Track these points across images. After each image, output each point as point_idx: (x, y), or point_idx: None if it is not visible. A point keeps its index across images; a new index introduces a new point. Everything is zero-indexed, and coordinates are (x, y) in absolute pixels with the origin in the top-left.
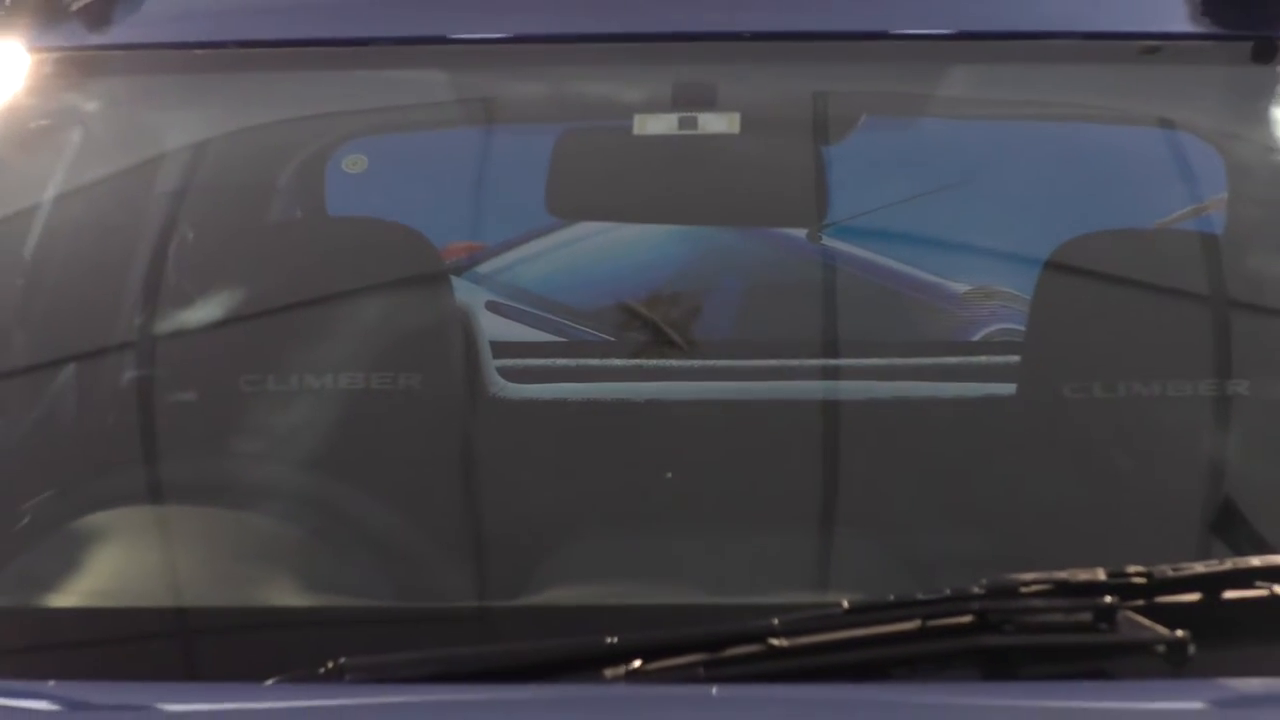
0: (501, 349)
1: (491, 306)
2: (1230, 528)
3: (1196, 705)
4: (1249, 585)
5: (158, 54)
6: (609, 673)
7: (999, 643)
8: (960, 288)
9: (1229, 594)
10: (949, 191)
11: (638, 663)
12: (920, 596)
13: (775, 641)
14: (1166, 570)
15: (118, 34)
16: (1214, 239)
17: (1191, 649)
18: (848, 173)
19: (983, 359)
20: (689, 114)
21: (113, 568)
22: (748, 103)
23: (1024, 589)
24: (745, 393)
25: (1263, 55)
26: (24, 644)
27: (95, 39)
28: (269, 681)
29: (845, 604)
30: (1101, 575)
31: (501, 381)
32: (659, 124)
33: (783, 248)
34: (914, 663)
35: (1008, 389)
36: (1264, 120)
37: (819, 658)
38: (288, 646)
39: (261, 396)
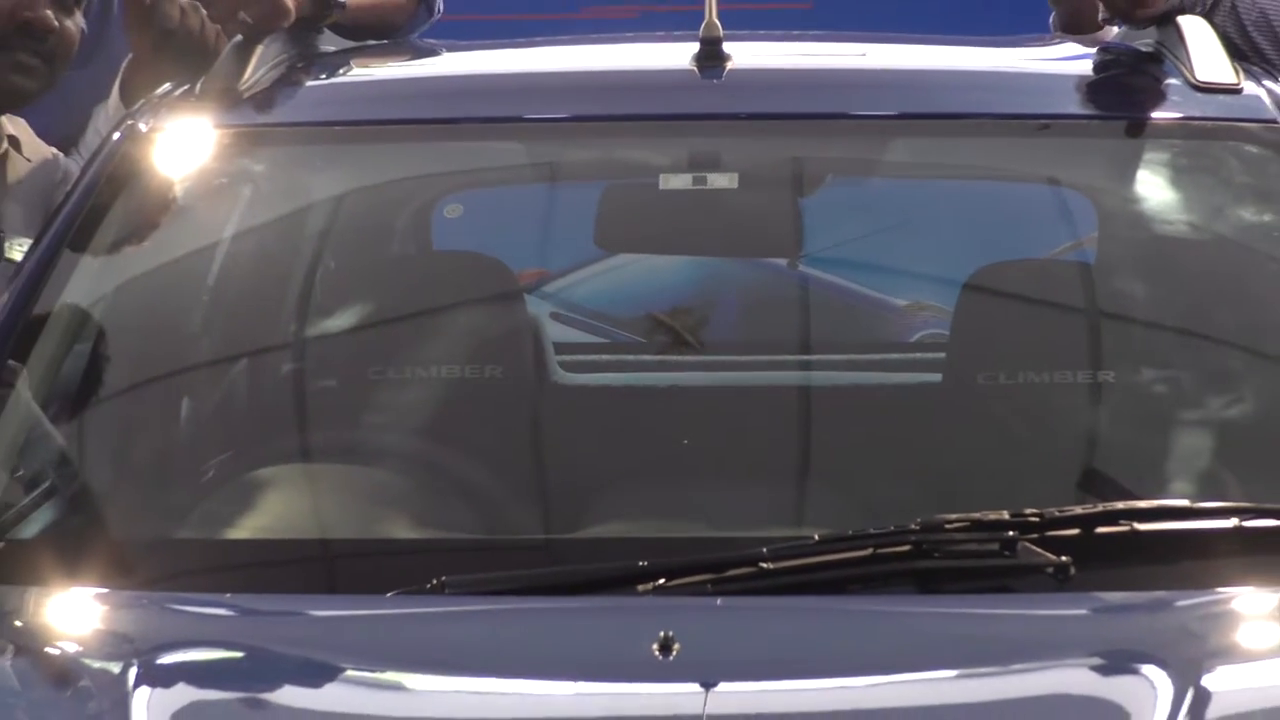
0: (561, 348)
1: (554, 316)
2: (1101, 480)
3: (1076, 612)
4: (1115, 523)
5: (307, 130)
6: (641, 588)
7: (929, 565)
8: (901, 302)
9: (1100, 529)
10: (893, 231)
11: (661, 580)
12: (871, 531)
13: (764, 565)
14: (1054, 512)
15: (278, 116)
16: (1088, 266)
17: (1072, 570)
18: (817, 217)
19: (917, 355)
20: (700, 174)
21: (273, 509)
22: (743, 166)
23: (948, 526)
24: (742, 380)
25: (1123, 132)
26: (208, 566)
27: (261, 119)
28: (390, 594)
29: (816, 536)
30: (1006, 515)
31: (561, 372)
32: (678, 181)
33: (769, 272)
34: (866, 580)
35: (936, 377)
36: (1124, 178)
37: (796, 577)
38: (403, 568)
39: (383, 383)
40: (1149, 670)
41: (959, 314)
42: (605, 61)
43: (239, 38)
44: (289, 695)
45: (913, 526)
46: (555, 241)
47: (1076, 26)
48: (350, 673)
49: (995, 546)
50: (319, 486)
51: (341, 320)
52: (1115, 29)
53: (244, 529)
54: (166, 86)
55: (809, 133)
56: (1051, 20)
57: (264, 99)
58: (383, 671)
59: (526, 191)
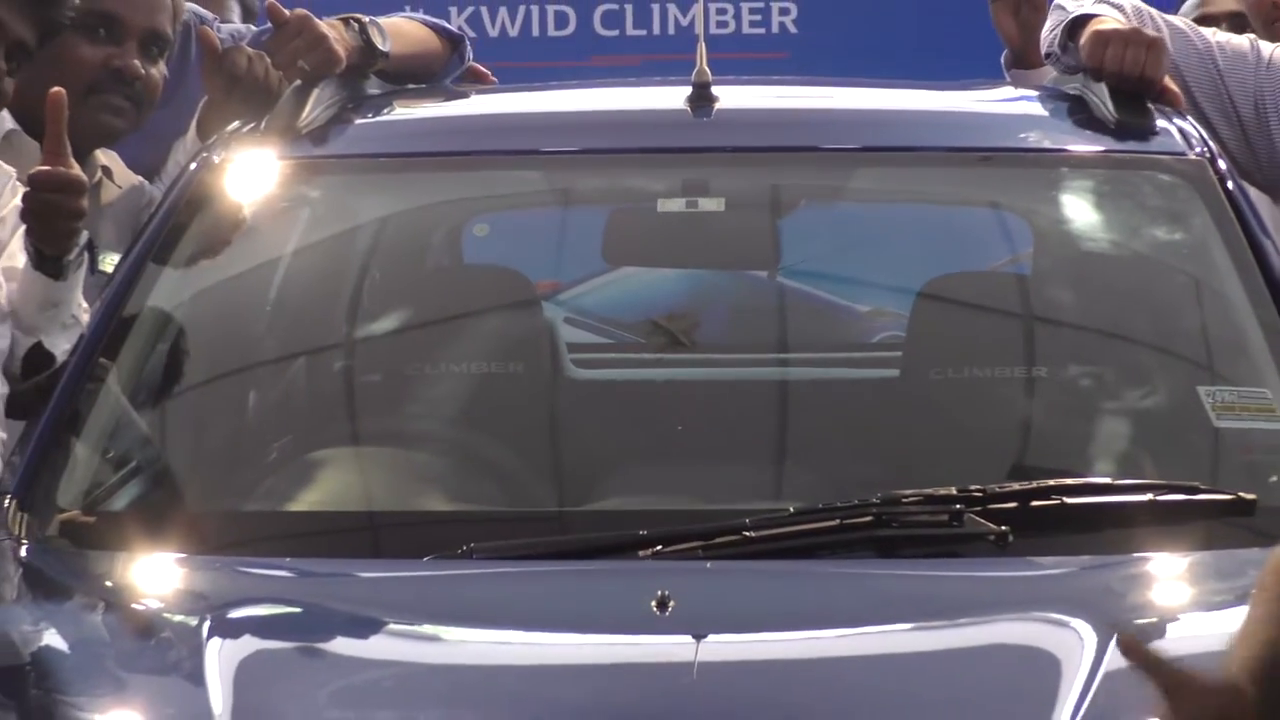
0: (573, 348)
1: (568, 320)
2: (1036, 460)
3: (1014, 574)
4: (1047, 498)
5: (356, 161)
6: (641, 554)
7: (888, 534)
8: (864, 308)
9: (1035, 503)
10: (857, 247)
11: (659, 547)
12: (838, 504)
13: (747, 533)
14: (995, 488)
15: (331, 149)
16: (1024, 277)
17: (1010, 538)
18: (792, 236)
19: (877, 354)
20: (693, 199)
21: (326, 485)
22: (729, 192)
23: (904, 500)
24: (728, 375)
25: (1054, 163)
26: (270, 534)
27: (317, 152)
28: (426, 558)
29: (791, 509)
30: (954, 491)
31: (574, 368)
32: (673, 205)
33: (751, 283)
34: (834, 546)
35: (894, 373)
36: (1055, 202)
37: (774, 544)
38: (437, 535)
39: (419, 378)
40: (1076, 623)
41: (914, 319)
42: (610, 102)
43: (298, 83)
44: (339, 644)
45: (874, 500)
46: (568, 256)
47: (1024, 63)
48: (391, 625)
49: (944, 518)
50: (365, 466)
51: (385, 324)
52: (1053, 69)
53: (301, 502)
54: (236, 124)
55: (785, 163)
56: (1004, 57)
57: (319, 135)
58: (419, 624)
59: (544, 214)
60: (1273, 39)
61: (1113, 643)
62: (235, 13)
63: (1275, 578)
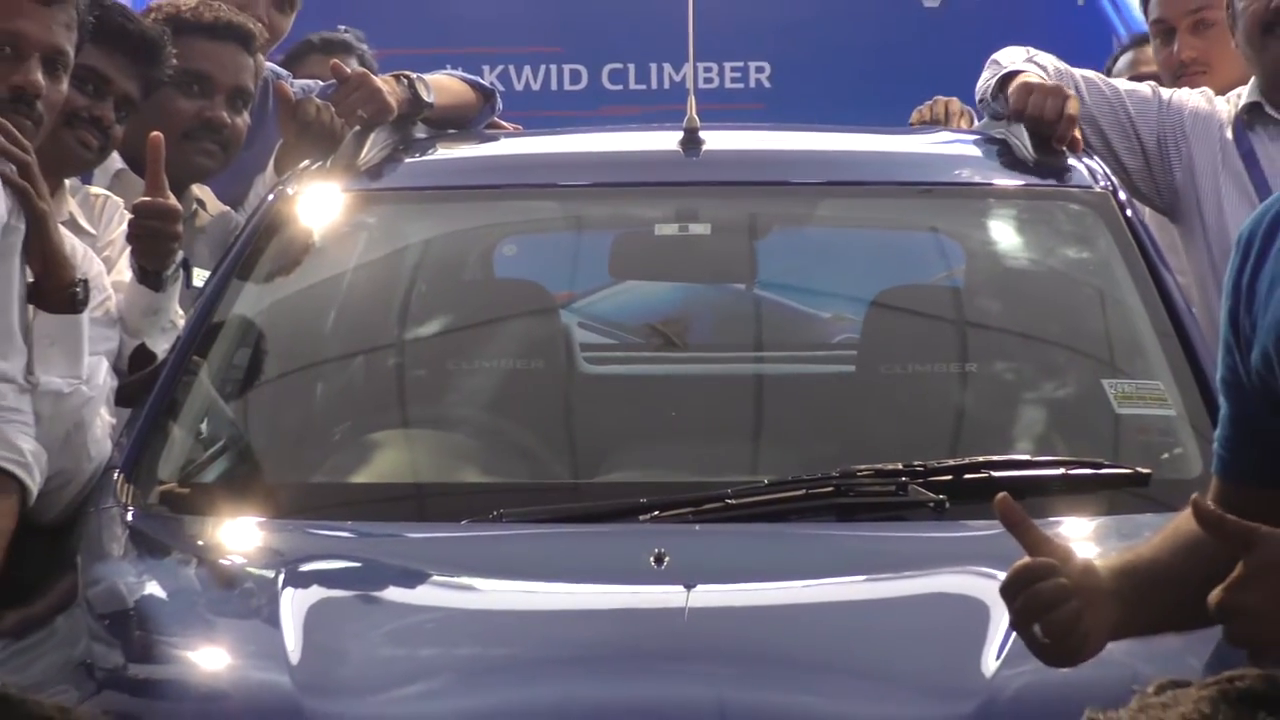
0: (585, 347)
1: (580, 325)
2: (968, 441)
3: (949, 535)
4: (978, 472)
5: (405, 193)
6: (641, 518)
7: (846, 501)
8: (826, 315)
9: (967, 476)
10: (820, 264)
11: (656, 512)
12: (804, 477)
13: (729, 501)
14: (934, 463)
15: (384, 183)
16: (959, 289)
17: (947, 505)
18: (766, 255)
19: (837, 352)
20: (684, 224)
21: (380, 461)
22: (714, 218)
23: (859, 473)
24: (713, 370)
25: (983, 194)
26: (334, 502)
27: (373, 186)
28: (462, 521)
29: (766, 480)
30: (900, 466)
31: (585, 364)
32: (668, 229)
33: (732, 293)
34: (802, 512)
35: (850, 368)
36: (984, 227)
37: (752, 510)
38: (472, 502)
39: (458, 373)
40: (1002, 575)
41: (867, 323)
42: (616, 145)
43: (357, 129)
44: (390, 592)
45: (834, 474)
46: (581, 271)
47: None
48: (434, 577)
49: (892, 488)
50: (412, 445)
51: (428, 327)
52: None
53: (359, 475)
54: (306, 162)
55: (760, 195)
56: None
57: (375, 171)
58: (457, 576)
59: (560, 236)
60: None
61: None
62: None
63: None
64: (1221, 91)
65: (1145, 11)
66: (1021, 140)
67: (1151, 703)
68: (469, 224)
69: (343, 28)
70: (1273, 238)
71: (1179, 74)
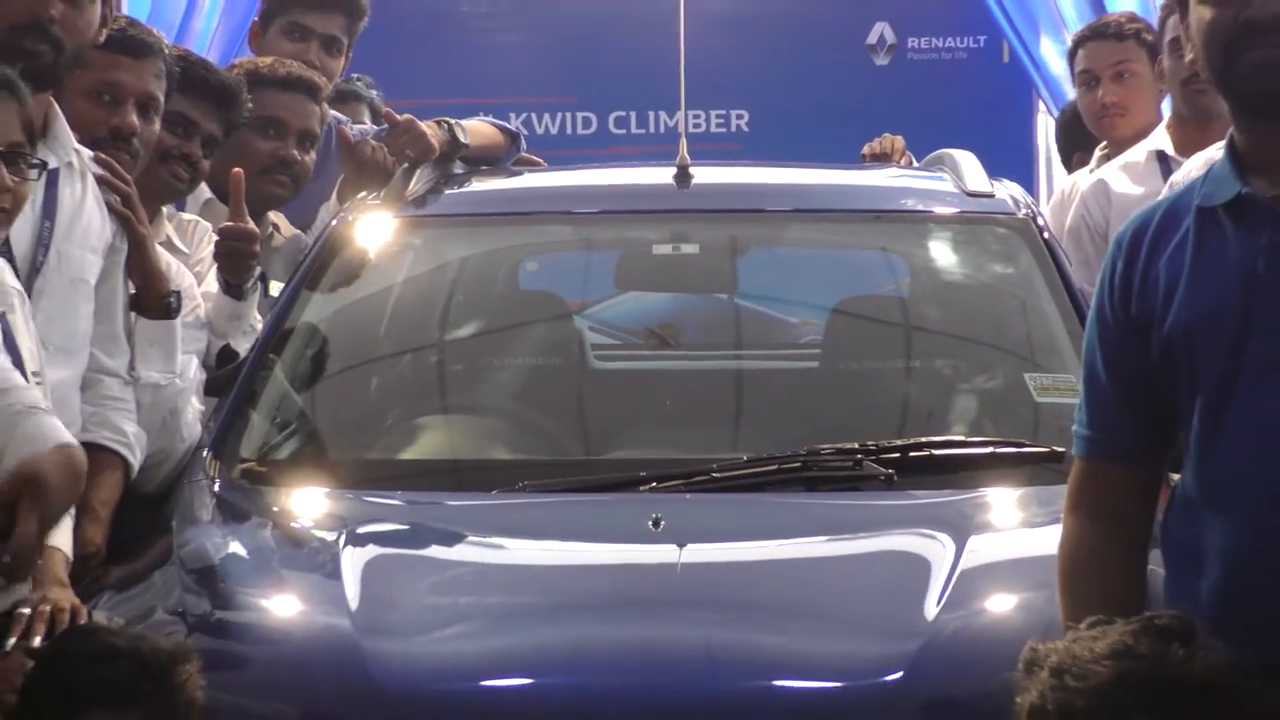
0: (595, 347)
1: (591, 328)
2: (912, 424)
3: (898, 503)
4: (921, 450)
5: (446, 219)
6: (642, 488)
7: (812, 474)
8: (795, 320)
9: (912, 454)
10: (790, 278)
11: (654, 484)
12: (777, 454)
13: (714, 474)
14: (885, 443)
15: (428, 211)
16: (903, 300)
17: (895, 478)
18: (746, 270)
19: (805, 351)
20: (677, 244)
21: (425, 441)
22: (702, 240)
23: (823, 451)
24: (701, 366)
25: (924, 220)
26: (387, 475)
27: (419, 213)
28: (493, 491)
29: (745, 457)
30: (856, 445)
31: (595, 361)
32: (664, 249)
33: (717, 302)
34: (774, 484)
35: (815, 364)
36: (924, 248)
37: (733, 481)
38: (501, 475)
39: (489, 368)
40: (941, 535)
41: (829, 327)
42: (620, 179)
43: (405, 166)
44: (433, 550)
45: (802, 452)
46: (591, 284)
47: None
48: (470, 537)
49: (850, 464)
50: (451, 428)
51: (465, 331)
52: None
53: (408, 453)
54: (363, 194)
55: (741, 221)
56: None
57: (420, 201)
58: (489, 537)
59: (575, 255)
60: (1194, 105)
61: (965, 548)
62: (365, 115)
63: None
64: (1135, 133)
65: (1072, 65)
66: (957, 174)
67: (1083, 635)
68: (498, 245)
69: (355, 76)
70: (1163, 239)
71: (1100, 116)
